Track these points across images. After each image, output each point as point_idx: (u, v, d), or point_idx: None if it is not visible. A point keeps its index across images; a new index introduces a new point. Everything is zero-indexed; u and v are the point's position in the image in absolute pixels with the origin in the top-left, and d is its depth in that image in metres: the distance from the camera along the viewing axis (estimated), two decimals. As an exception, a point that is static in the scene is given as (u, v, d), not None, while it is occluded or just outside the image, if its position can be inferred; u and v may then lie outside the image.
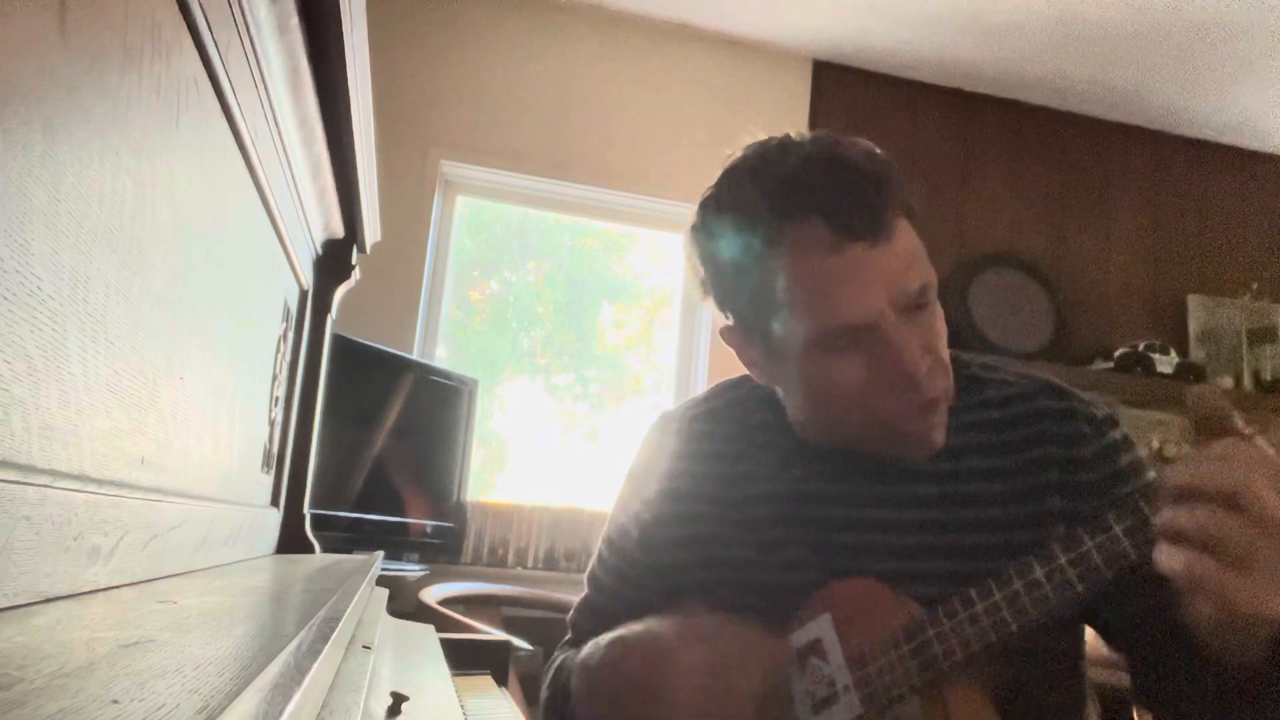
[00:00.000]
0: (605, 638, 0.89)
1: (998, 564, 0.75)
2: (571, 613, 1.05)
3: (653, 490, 0.96)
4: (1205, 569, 0.57)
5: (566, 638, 1.04)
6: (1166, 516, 0.60)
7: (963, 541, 0.82)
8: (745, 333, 0.85)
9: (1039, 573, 0.72)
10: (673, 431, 0.98)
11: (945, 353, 0.82)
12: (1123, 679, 0.87)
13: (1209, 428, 0.63)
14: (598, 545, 1.03)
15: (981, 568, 0.77)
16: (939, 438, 0.83)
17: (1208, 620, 0.60)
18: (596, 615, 1.01)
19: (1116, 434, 0.85)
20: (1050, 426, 0.85)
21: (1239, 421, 0.62)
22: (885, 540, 0.84)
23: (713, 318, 0.92)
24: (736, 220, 0.81)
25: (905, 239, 0.79)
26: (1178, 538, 0.59)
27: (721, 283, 0.84)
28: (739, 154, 0.84)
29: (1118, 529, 0.69)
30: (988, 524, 0.83)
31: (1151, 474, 0.84)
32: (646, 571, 0.96)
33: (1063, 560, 0.71)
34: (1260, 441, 0.60)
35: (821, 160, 0.78)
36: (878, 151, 0.82)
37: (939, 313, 0.82)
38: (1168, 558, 0.59)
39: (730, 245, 0.82)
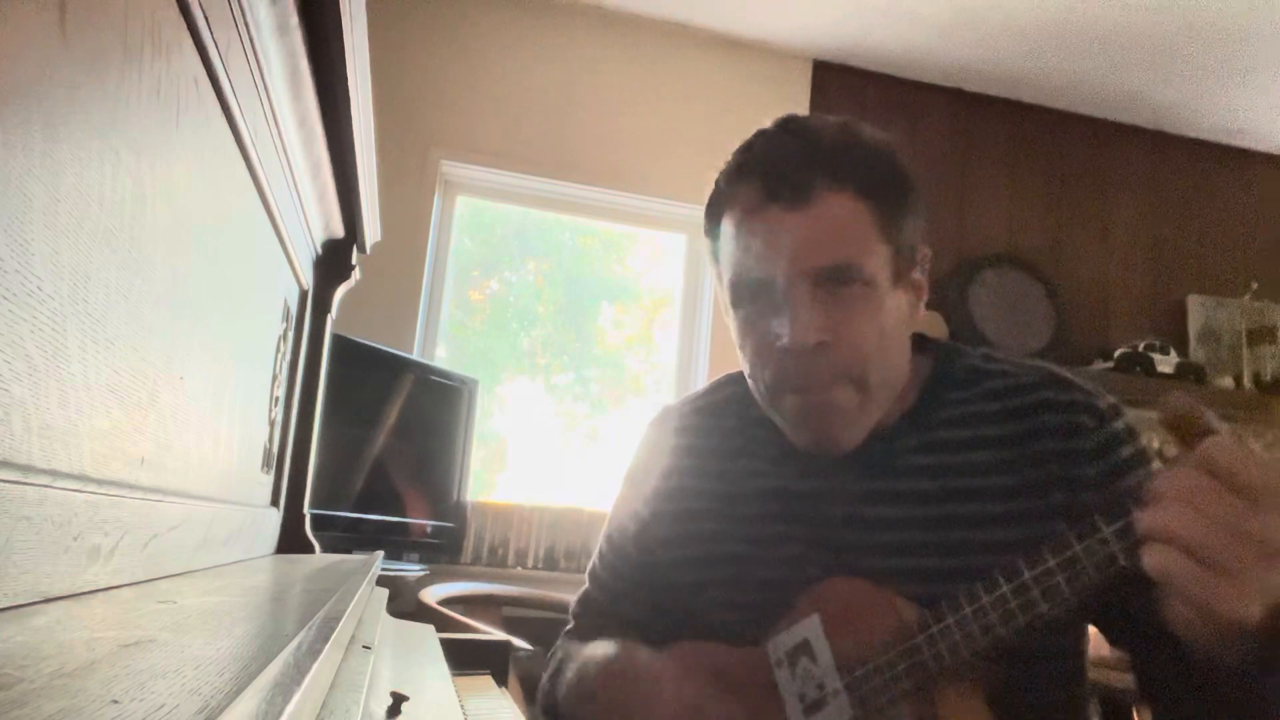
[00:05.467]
0: (593, 663, 0.89)
1: (999, 560, 0.74)
2: (573, 604, 1.05)
3: (651, 487, 0.96)
4: (1185, 571, 0.56)
5: (569, 627, 1.05)
6: (1148, 517, 0.59)
7: (963, 538, 0.81)
8: (722, 297, 0.89)
9: (1026, 577, 0.70)
10: (672, 427, 0.98)
11: (868, 343, 0.79)
12: (1124, 680, 0.86)
13: (1186, 432, 0.61)
14: (599, 540, 1.03)
15: (982, 563, 0.76)
16: (845, 433, 0.81)
17: (1189, 623, 0.58)
18: (596, 611, 1.01)
19: (1119, 424, 0.83)
20: (1051, 418, 0.83)
21: (1214, 421, 0.61)
22: (884, 537, 0.83)
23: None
24: (711, 196, 0.86)
25: (835, 212, 0.77)
26: (1159, 539, 0.58)
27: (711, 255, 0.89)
28: None
29: (1106, 531, 0.67)
30: (988, 519, 0.81)
31: (1155, 465, 0.82)
32: (642, 569, 0.96)
33: (1051, 563, 0.69)
34: (1248, 442, 0.59)
35: (776, 130, 0.84)
36: (859, 131, 0.82)
37: (875, 300, 0.79)
38: (1149, 558, 0.58)
39: (706, 218, 0.88)
